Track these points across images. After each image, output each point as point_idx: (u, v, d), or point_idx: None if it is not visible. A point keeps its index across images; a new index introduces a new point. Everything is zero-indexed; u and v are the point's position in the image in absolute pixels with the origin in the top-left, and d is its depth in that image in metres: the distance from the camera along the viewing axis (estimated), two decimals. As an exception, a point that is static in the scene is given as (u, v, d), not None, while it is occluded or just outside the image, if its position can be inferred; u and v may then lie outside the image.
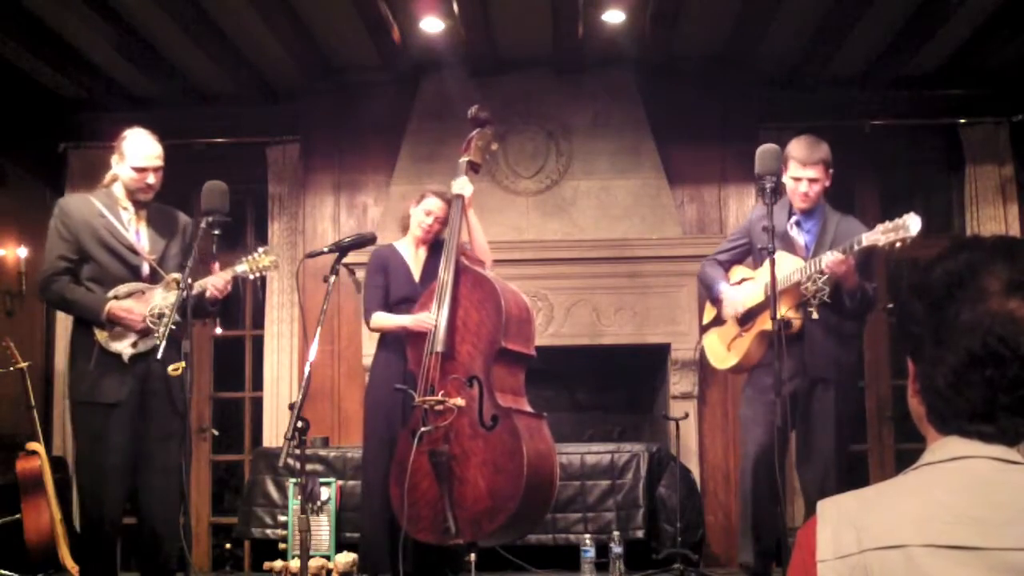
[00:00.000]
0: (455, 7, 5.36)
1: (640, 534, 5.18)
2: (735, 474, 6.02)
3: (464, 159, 4.39)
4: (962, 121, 6.31)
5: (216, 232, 3.71)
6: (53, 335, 6.43)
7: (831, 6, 5.43)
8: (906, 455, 6.09)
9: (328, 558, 5.12)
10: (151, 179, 3.98)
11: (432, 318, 4.10)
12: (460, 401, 3.99)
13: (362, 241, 4.10)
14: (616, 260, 6.04)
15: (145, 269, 4.00)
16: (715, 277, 4.34)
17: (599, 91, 6.38)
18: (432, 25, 5.68)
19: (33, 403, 5.54)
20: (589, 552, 4.73)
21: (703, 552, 5.45)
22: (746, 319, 4.17)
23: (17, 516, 5.25)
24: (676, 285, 5.99)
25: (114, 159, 4.04)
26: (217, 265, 3.95)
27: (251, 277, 4.04)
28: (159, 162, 4.02)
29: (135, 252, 3.99)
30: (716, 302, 4.35)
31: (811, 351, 4.03)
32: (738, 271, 4.37)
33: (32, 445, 5.40)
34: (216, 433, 6.59)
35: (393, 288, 4.35)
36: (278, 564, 5.05)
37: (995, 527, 1.04)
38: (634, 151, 6.26)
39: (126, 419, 3.88)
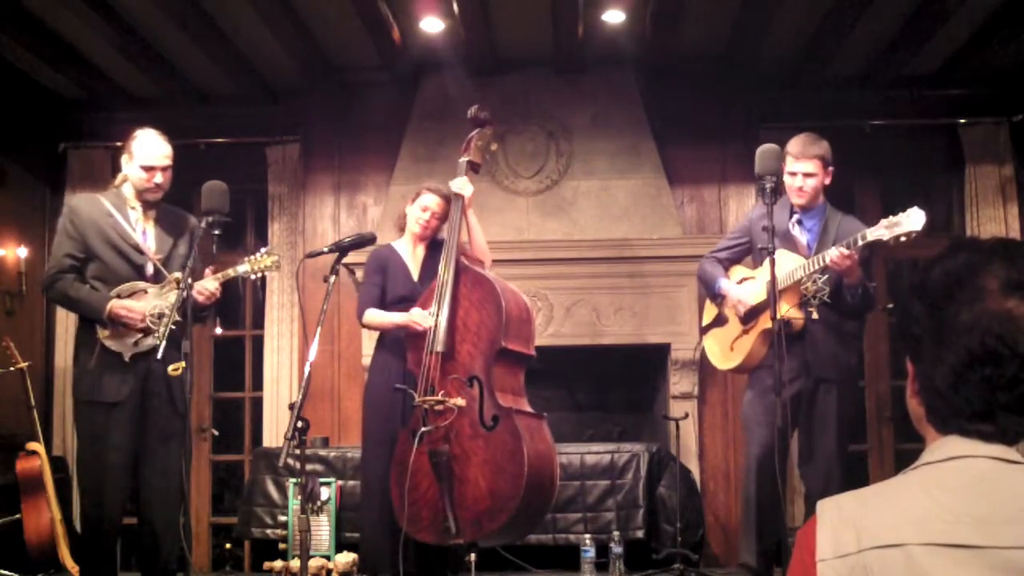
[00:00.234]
0: (455, 7, 5.36)
1: (640, 534, 5.18)
2: (735, 474, 6.03)
3: (464, 159, 4.39)
4: (962, 121, 6.31)
5: (216, 232, 3.71)
6: (53, 335, 6.44)
7: (831, 6, 5.44)
8: (906, 455, 6.09)
9: (328, 558, 5.12)
10: (159, 178, 3.99)
11: (427, 319, 4.09)
12: (460, 401, 3.99)
13: (362, 241, 4.10)
14: (616, 260, 6.05)
15: (149, 269, 4.01)
16: (715, 274, 4.33)
17: (599, 91, 6.38)
18: (432, 25, 5.69)
19: (33, 403, 5.55)
20: (589, 552, 4.74)
21: (703, 552, 5.45)
22: (749, 318, 4.17)
23: (17, 516, 5.26)
24: (676, 285, 5.99)
25: (124, 159, 4.06)
26: (209, 270, 3.95)
27: (252, 277, 4.05)
28: (167, 162, 4.03)
29: (140, 252, 4.00)
30: (717, 299, 4.34)
31: (813, 351, 4.03)
32: (738, 271, 4.37)
33: (32, 445, 5.40)
34: (216, 433, 6.59)
35: (392, 288, 4.34)
36: (278, 564, 5.05)
37: (995, 526, 1.04)
38: (634, 151, 6.27)
39: (126, 418, 3.89)
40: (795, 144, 4.12)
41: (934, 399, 1.16)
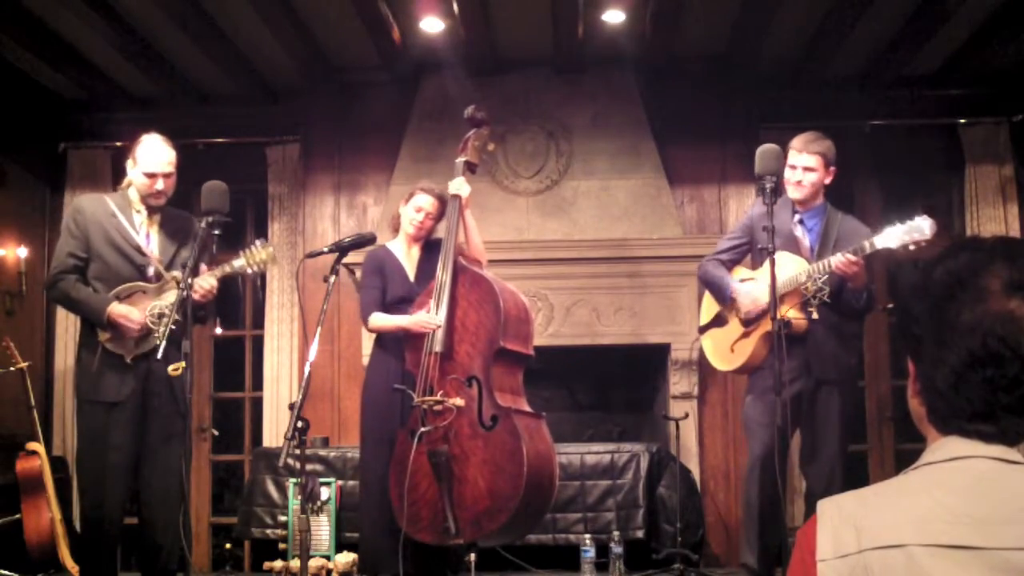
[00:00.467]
0: (455, 7, 5.35)
1: (640, 534, 5.18)
2: (735, 474, 6.03)
3: (461, 159, 4.39)
4: (962, 121, 6.31)
5: (216, 232, 3.71)
6: (53, 335, 6.43)
7: (831, 6, 5.44)
8: (906, 455, 6.09)
9: (328, 558, 5.12)
10: (160, 184, 3.99)
11: (435, 319, 4.09)
12: (459, 401, 3.99)
13: (362, 241, 4.10)
14: (616, 260, 6.04)
15: (151, 271, 4.01)
16: (724, 277, 4.29)
17: (599, 91, 6.38)
18: (432, 25, 5.69)
19: (33, 403, 5.55)
20: (589, 552, 4.74)
21: (703, 552, 5.45)
22: (751, 320, 4.15)
23: (17, 516, 5.26)
24: (676, 285, 5.99)
25: (128, 163, 4.08)
26: (205, 268, 3.94)
27: (250, 271, 4.03)
28: (170, 168, 4.02)
29: (142, 253, 4.00)
30: (728, 301, 4.28)
31: (814, 352, 4.03)
32: (738, 271, 4.36)
33: (32, 445, 5.40)
34: (216, 433, 6.59)
35: (389, 289, 4.33)
36: (278, 564, 5.05)
37: (995, 527, 1.04)
38: (634, 151, 6.27)
39: (127, 419, 3.89)
40: (798, 139, 4.14)
41: (935, 399, 1.16)
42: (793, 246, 4.10)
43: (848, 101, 6.42)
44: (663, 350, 6.07)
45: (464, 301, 4.14)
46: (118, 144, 6.09)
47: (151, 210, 4.06)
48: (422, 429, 3.95)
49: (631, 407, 6.65)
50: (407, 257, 4.43)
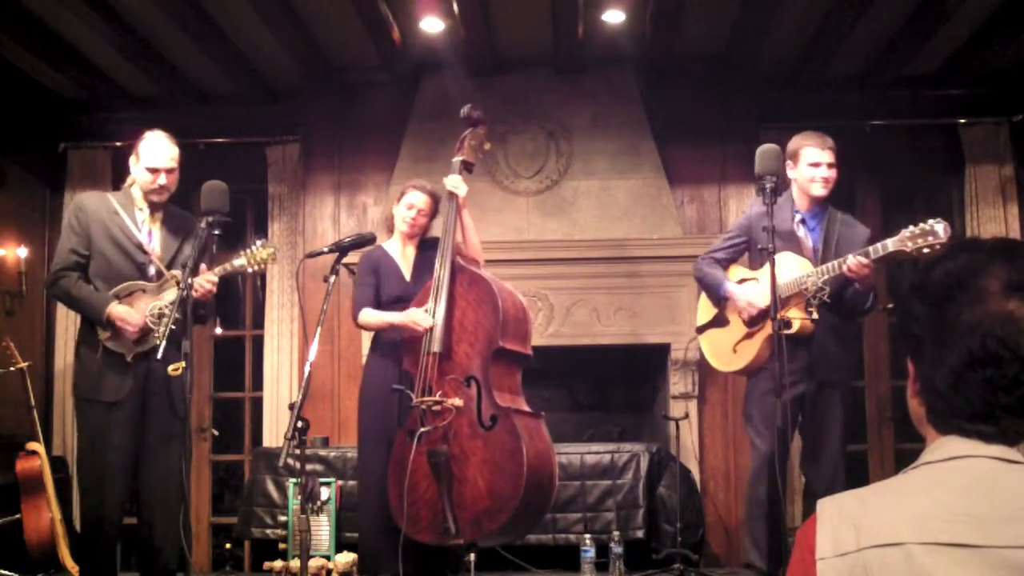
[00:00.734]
0: (455, 7, 5.36)
1: (640, 534, 5.18)
2: (735, 474, 6.03)
3: (458, 158, 4.39)
4: (962, 121, 6.31)
5: (216, 232, 3.71)
6: (53, 335, 6.43)
7: (831, 6, 5.44)
8: (906, 455, 6.09)
9: (328, 558, 5.12)
10: (163, 180, 4.00)
11: (428, 318, 4.08)
12: (458, 401, 3.99)
13: (362, 241, 4.11)
14: (616, 260, 6.04)
15: (152, 269, 4.01)
16: (719, 276, 4.28)
17: (599, 91, 6.38)
18: (432, 25, 5.69)
19: (33, 403, 5.54)
20: (589, 552, 4.73)
21: (703, 552, 5.45)
22: (755, 321, 4.13)
23: (17, 516, 5.26)
24: (676, 285, 5.99)
25: (131, 160, 4.08)
26: (204, 267, 3.94)
27: (250, 271, 4.04)
28: (172, 164, 4.03)
29: (144, 251, 4.00)
30: (722, 301, 4.28)
31: (817, 354, 4.02)
32: (737, 271, 4.34)
33: (32, 445, 5.40)
34: (216, 433, 6.60)
35: (385, 289, 4.33)
36: (278, 564, 5.05)
37: (994, 525, 1.05)
38: (634, 151, 6.27)
39: (126, 418, 3.89)
40: (812, 137, 4.12)
41: (934, 399, 1.16)
42: (795, 246, 4.08)
43: (848, 101, 6.42)
44: (663, 350, 6.07)
45: (462, 301, 4.13)
46: (118, 144, 6.10)
47: (153, 208, 4.06)
48: (421, 429, 3.95)
49: (631, 407, 6.65)
50: (402, 256, 4.42)
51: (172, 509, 3.82)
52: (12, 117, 6.20)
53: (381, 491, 4.11)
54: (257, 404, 6.47)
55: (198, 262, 3.79)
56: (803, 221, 4.17)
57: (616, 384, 6.68)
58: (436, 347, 4.06)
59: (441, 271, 4.14)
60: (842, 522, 1.11)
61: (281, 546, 5.24)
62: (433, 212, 4.41)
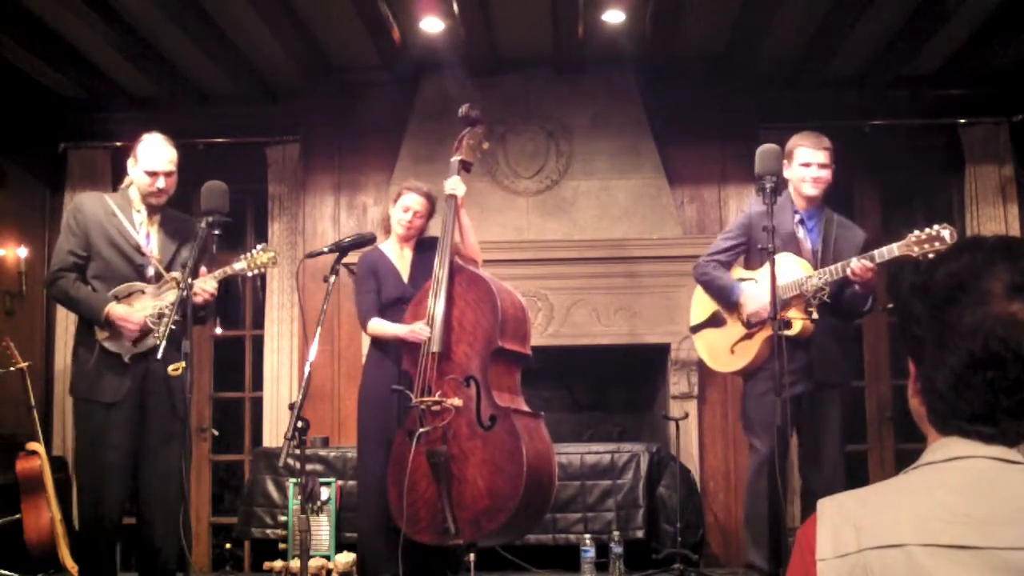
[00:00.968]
0: (455, 7, 5.36)
1: (640, 534, 5.18)
2: (735, 474, 6.03)
3: (456, 158, 4.38)
4: (962, 121, 6.31)
5: (216, 232, 3.71)
6: (53, 335, 6.44)
7: (831, 6, 5.44)
8: (906, 455, 6.09)
9: (328, 558, 5.12)
10: (161, 183, 3.99)
11: (426, 330, 4.09)
12: (457, 401, 3.99)
13: (362, 241, 4.11)
14: (616, 260, 6.04)
15: (150, 271, 4.01)
16: (729, 280, 4.24)
17: (599, 91, 6.38)
18: (432, 25, 5.69)
19: (33, 403, 5.54)
20: (589, 552, 4.73)
21: (703, 552, 5.45)
22: (758, 322, 4.11)
23: (17, 516, 5.26)
24: (676, 285, 5.98)
25: (129, 162, 4.08)
26: (204, 269, 3.94)
27: (250, 274, 4.04)
28: (171, 167, 4.02)
29: (142, 253, 4.00)
30: (733, 305, 4.24)
31: (816, 355, 4.02)
32: (735, 272, 4.33)
33: (32, 445, 5.40)
34: (216, 433, 6.60)
35: (384, 290, 4.33)
36: (278, 564, 5.05)
37: (994, 526, 1.04)
38: (634, 151, 6.27)
39: (125, 418, 3.88)
40: (807, 138, 4.13)
41: (935, 400, 1.16)
42: (794, 247, 4.08)
43: (848, 101, 6.42)
44: (663, 350, 6.07)
45: (461, 301, 4.13)
46: (118, 144, 6.10)
47: (151, 210, 4.06)
48: (420, 430, 3.94)
49: (631, 407, 6.65)
50: (400, 258, 4.42)
51: (172, 509, 3.82)
52: (12, 117, 6.20)
53: (381, 491, 4.11)
54: (257, 404, 6.46)
55: (198, 263, 3.79)
56: (802, 221, 4.17)
57: (616, 384, 6.68)
58: (435, 347, 4.06)
59: (440, 271, 4.14)
60: (842, 522, 1.11)
61: (281, 546, 5.24)
62: (429, 213, 4.41)
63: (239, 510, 5.63)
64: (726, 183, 6.41)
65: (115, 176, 6.10)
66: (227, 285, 4.07)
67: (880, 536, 1.07)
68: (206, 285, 3.87)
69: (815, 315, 3.97)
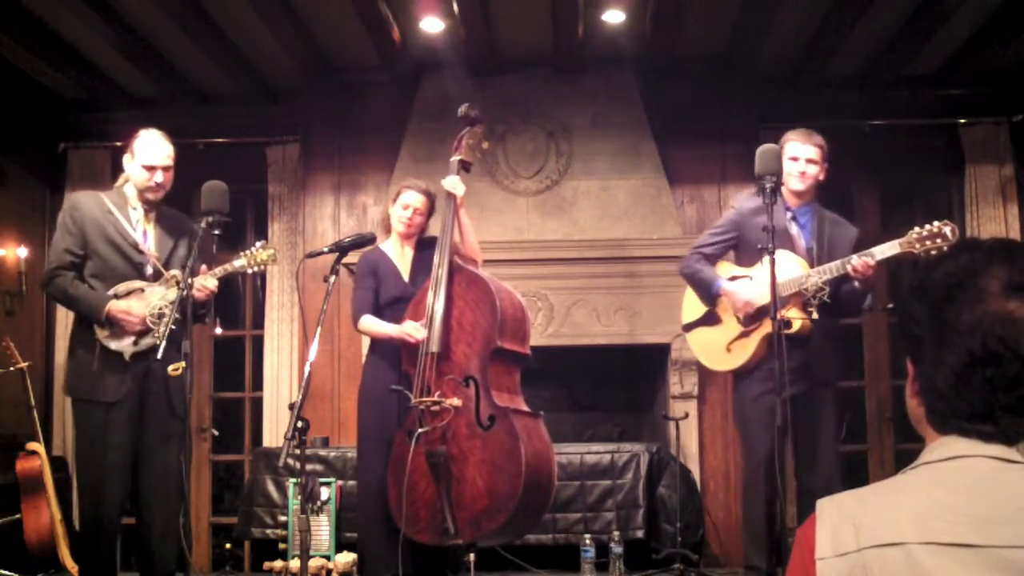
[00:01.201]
0: (455, 7, 5.36)
1: (640, 534, 5.18)
2: (735, 474, 6.02)
3: (455, 158, 4.38)
4: (962, 121, 6.31)
5: (216, 232, 3.71)
6: (53, 335, 6.44)
7: (831, 6, 5.44)
8: (906, 455, 6.09)
9: (328, 558, 5.12)
10: (159, 177, 3.99)
11: (420, 331, 4.08)
12: (456, 401, 3.98)
13: (362, 241, 4.11)
14: (616, 260, 6.04)
15: (148, 269, 4.01)
16: (710, 273, 4.22)
17: (599, 91, 6.38)
18: (432, 25, 5.69)
19: (33, 403, 5.55)
20: (589, 552, 4.74)
21: (703, 552, 5.45)
22: (751, 319, 4.10)
23: (17, 516, 5.26)
24: (676, 285, 5.91)
25: (126, 158, 4.07)
26: (205, 267, 3.94)
27: (250, 271, 4.05)
28: (168, 162, 4.03)
29: (140, 251, 4.00)
30: (714, 299, 4.24)
31: (814, 354, 4.02)
32: (727, 268, 4.29)
33: (32, 445, 5.40)
34: (216, 433, 6.59)
35: (384, 290, 4.32)
36: (278, 564, 5.05)
37: (994, 525, 1.05)
38: (634, 151, 6.27)
39: (125, 418, 3.88)
40: (797, 133, 4.15)
41: (934, 399, 1.16)
42: (788, 244, 4.05)
43: (848, 101, 6.42)
44: (663, 350, 6.07)
45: (460, 300, 4.13)
46: (118, 144, 6.05)
47: (148, 207, 4.05)
48: (420, 430, 3.94)
49: (631, 407, 6.65)
50: (400, 257, 4.42)
51: (172, 509, 3.83)
52: (12, 117, 6.20)
53: (381, 491, 4.11)
54: (257, 404, 6.47)
55: (198, 262, 3.79)
56: (794, 218, 4.15)
57: (616, 384, 6.68)
58: (434, 347, 4.06)
59: (439, 271, 4.14)
60: (842, 522, 1.11)
61: (281, 546, 5.24)
62: (429, 211, 4.41)
63: (239, 510, 5.63)
64: (726, 183, 6.41)
65: (115, 176, 6.00)
66: (227, 284, 4.07)
67: (879, 535, 1.07)
68: (207, 282, 3.87)
69: (815, 315, 3.96)
